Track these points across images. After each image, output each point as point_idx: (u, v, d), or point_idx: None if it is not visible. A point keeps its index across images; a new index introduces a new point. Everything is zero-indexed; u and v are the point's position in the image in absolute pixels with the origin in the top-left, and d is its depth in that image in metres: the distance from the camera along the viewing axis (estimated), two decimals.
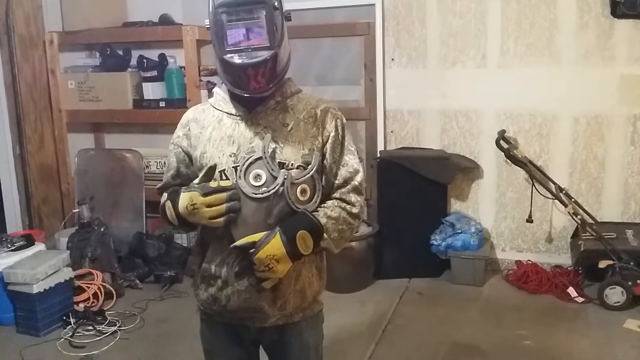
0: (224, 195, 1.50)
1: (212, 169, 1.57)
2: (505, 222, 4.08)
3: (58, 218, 4.52)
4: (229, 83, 1.59)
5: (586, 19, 3.70)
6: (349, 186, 1.63)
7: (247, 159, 1.56)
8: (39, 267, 3.31)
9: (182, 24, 4.20)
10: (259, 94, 1.57)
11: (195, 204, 1.48)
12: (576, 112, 3.82)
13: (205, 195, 1.49)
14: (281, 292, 1.61)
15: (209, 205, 1.49)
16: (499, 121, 3.95)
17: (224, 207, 1.49)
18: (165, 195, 1.63)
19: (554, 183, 3.81)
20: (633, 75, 3.67)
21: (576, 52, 3.76)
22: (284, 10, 1.55)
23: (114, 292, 3.71)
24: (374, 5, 4.05)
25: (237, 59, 1.50)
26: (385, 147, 4.18)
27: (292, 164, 1.57)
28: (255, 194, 1.53)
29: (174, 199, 1.55)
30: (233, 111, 1.64)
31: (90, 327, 3.35)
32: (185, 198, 1.50)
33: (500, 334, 3.22)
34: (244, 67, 1.51)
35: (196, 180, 1.56)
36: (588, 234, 3.59)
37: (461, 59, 3.98)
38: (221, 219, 1.50)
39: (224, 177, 1.58)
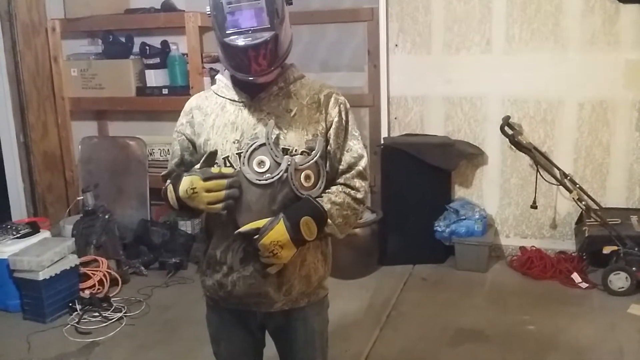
0: (224, 181, 1.49)
1: (213, 154, 1.56)
2: (509, 208, 4.07)
3: (62, 205, 4.53)
4: (231, 67, 1.58)
5: (592, 4, 3.66)
6: (353, 171, 1.63)
7: (251, 146, 1.55)
8: (44, 254, 3.33)
9: (184, 11, 4.18)
10: (261, 77, 1.56)
11: (195, 188, 1.48)
12: (581, 98, 3.79)
13: (205, 180, 1.49)
14: (286, 278, 1.61)
15: (209, 191, 1.49)
16: (504, 107, 3.93)
17: (222, 193, 1.49)
18: (168, 180, 1.64)
19: (559, 169, 3.80)
20: (639, 60, 3.64)
21: (582, 38, 3.72)
22: None
23: (119, 279, 3.73)
24: None
25: (237, 41, 1.49)
26: (389, 133, 4.17)
27: (295, 150, 1.57)
28: (259, 180, 1.53)
29: (176, 183, 1.55)
30: (236, 98, 1.64)
31: (96, 314, 3.37)
32: (186, 182, 1.51)
33: (504, 319, 3.23)
34: (244, 49, 1.49)
35: (197, 166, 1.56)
36: (592, 219, 3.59)
37: (466, 45, 3.95)
38: (219, 205, 1.50)
39: (227, 164, 1.58)
